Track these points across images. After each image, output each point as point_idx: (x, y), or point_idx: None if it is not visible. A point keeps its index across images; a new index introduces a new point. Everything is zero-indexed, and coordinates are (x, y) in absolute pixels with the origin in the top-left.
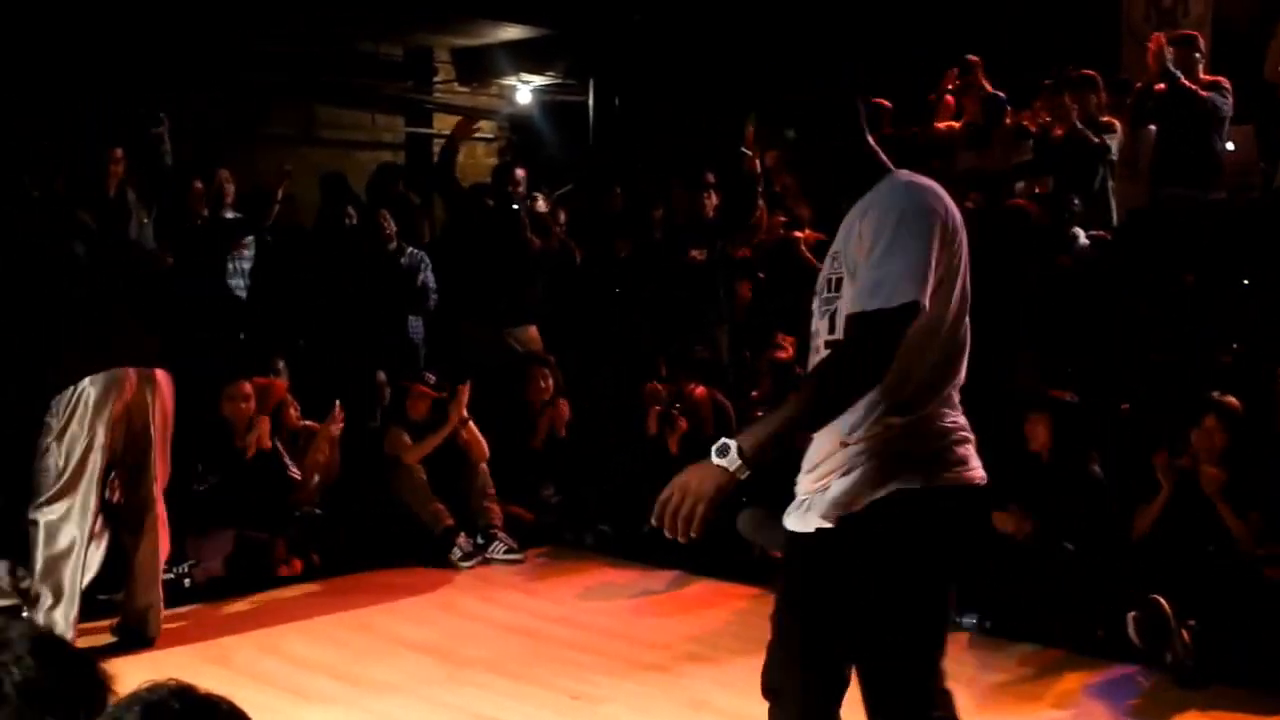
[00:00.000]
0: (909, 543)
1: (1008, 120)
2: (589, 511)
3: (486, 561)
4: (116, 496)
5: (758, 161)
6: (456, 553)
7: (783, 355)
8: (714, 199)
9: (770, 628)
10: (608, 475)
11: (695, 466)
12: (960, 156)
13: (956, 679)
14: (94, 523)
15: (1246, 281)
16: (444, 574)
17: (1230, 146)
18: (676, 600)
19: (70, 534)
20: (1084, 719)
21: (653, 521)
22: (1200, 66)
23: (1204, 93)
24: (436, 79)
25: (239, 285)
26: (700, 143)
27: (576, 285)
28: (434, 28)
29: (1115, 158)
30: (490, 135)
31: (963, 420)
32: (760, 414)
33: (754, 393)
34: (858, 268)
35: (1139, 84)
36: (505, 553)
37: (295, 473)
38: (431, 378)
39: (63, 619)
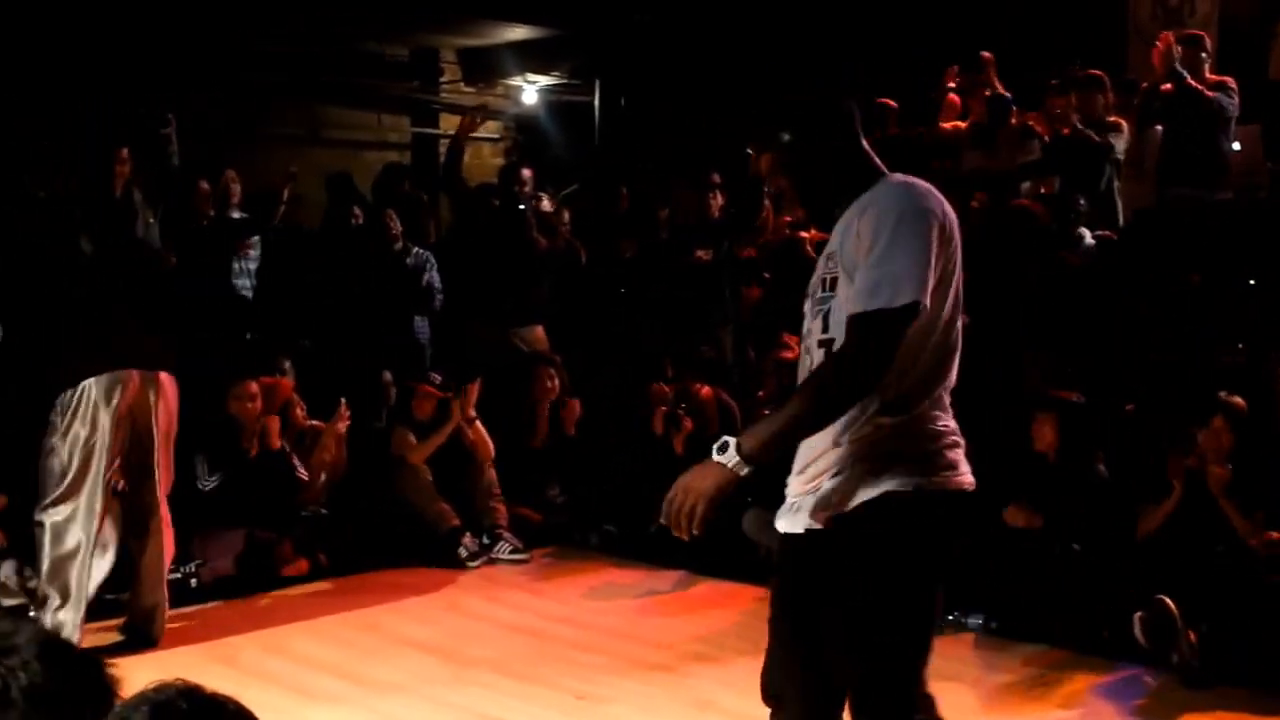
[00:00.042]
0: (898, 545)
1: (1013, 120)
2: (594, 511)
3: (492, 561)
4: (121, 485)
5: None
6: (462, 552)
7: (788, 355)
8: (719, 199)
9: (768, 631)
10: (613, 475)
11: (698, 466)
12: (966, 156)
13: (962, 679)
14: (99, 524)
15: (1252, 281)
16: (449, 574)
17: (1236, 146)
18: (682, 600)
19: (76, 535)
20: (1090, 719)
21: (660, 520)
22: (1207, 66)
23: (1210, 93)
24: (442, 79)
25: (245, 285)
26: (706, 143)
27: (581, 285)
28: (440, 28)
29: (1121, 158)
30: (496, 135)
31: (954, 424)
32: (766, 412)
33: (759, 393)
34: (856, 268)
35: (1145, 84)
36: (511, 553)
37: (303, 473)
38: (437, 378)
39: (70, 620)
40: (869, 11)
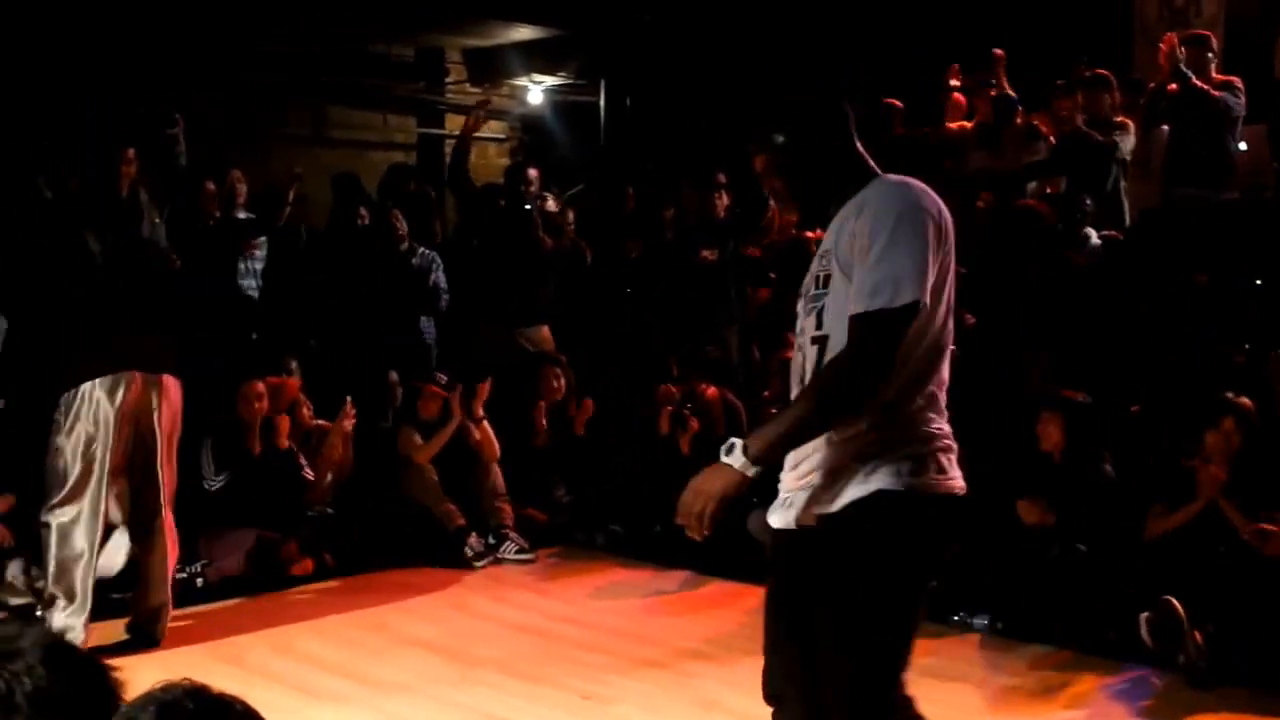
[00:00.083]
0: (886, 545)
1: (1018, 120)
2: (600, 511)
3: (498, 561)
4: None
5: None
6: (468, 552)
7: (793, 355)
8: (725, 199)
9: (764, 630)
10: (619, 475)
11: (708, 469)
12: (972, 156)
13: (968, 680)
14: (104, 526)
15: (1259, 281)
16: (455, 574)
17: (1243, 146)
18: (688, 600)
19: (81, 537)
20: None
21: (675, 520)
22: (1213, 66)
23: (1216, 93)
24: (448, 79)
25: (251, 285)
26: (711, 143)
27: (587, 285)
28: (446, 28)
29: (1128, 158)
30: (502, 135)
31: (947, 427)
32: (773, 411)
33: (765, 393)
34: (851, 266)
35: (1152, 84)
36: (516, 553)
37: (309, 473)
38: (443, 378)
39: (75, 622)
40: (873, 11)
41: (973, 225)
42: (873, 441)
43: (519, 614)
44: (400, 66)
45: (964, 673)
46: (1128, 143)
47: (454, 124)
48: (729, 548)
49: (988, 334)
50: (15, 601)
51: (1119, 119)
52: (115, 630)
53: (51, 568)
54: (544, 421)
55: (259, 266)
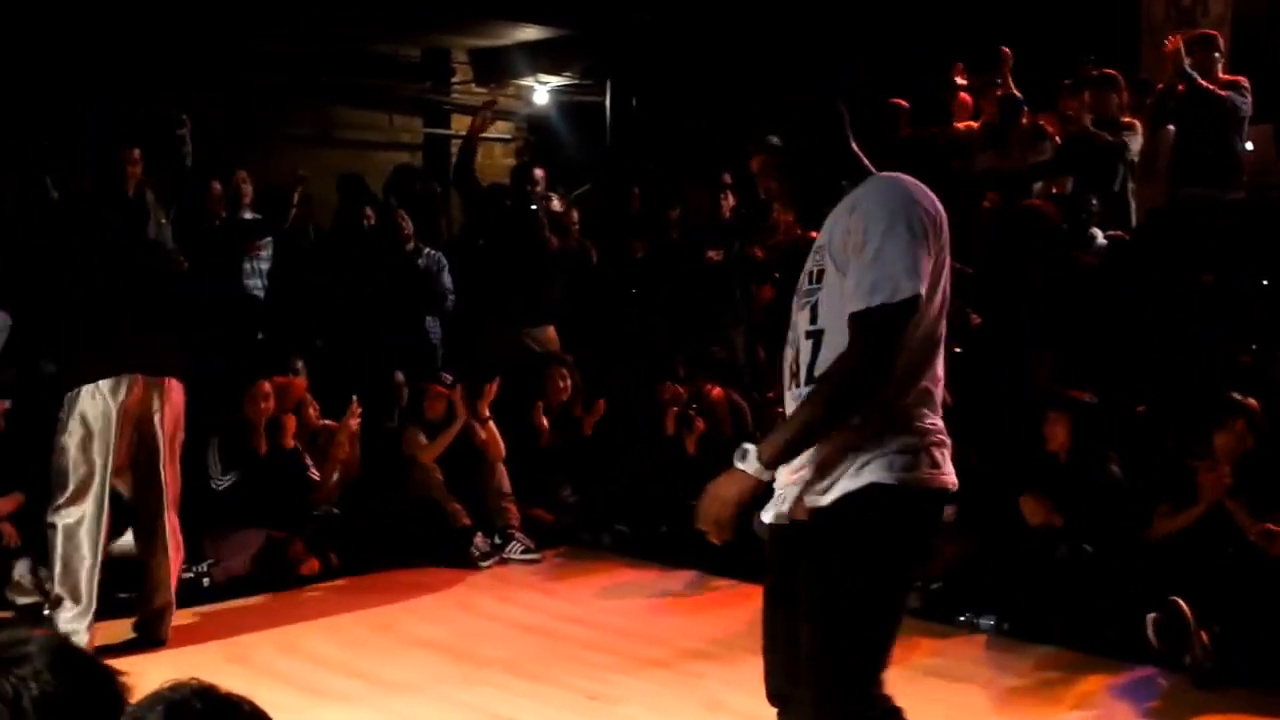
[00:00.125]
0: (876, 537)
1: (1024, 120)
2: (606, 511)
3: (504, 561)
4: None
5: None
6: (474, 552)
7: None
8: (730, 199)
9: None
10: (624, 475)
11: (723, 475)
12: (978, 157)
13: (974, 681)
14: (108, 528)
15: (1265, 282)
16: (461, 574)
17: (1249, 146)
18: (694, 601)
19: (86, 540)
20: None
21: (697, 527)
22: (1219, 66)
23: (1223, 92)
24: (454, 80)
25: (257, 286)
26: (717, 143)
27: (593, 285)
28: (451, 29)
29: (1136, 158)
30: (507, 136)
31: (940, 423)
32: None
33: (770, 393)
34: (845, 262)
35: (1159, 84)
36: (522, 553)
37: (315, 473)
38: (448, 378)
39: (80, 624)
40: (879, 11)
41: (979, 225)
42: (866, 436)
43: (525, 614)
44: (406, 67)
45: (970, 673)
46: (1136, 143)
47: (460, 124)
48: (735, 548)
49: (994, 334)
50: (22, 601)
51: (1126, 119)
52: (122, 629)
53: (57, 568)
54: (544, 421)
55: (265, 267)
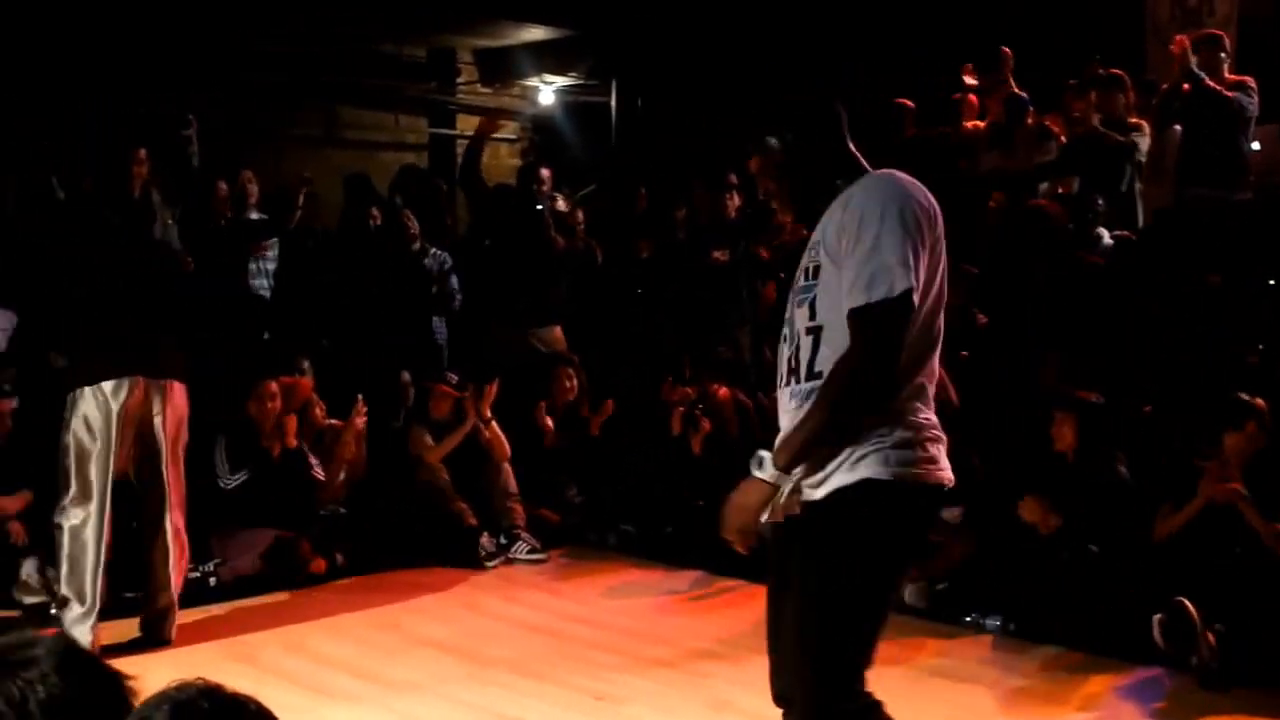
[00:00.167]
0: (867, 532)
1: (1030, 120)
2: (612, 511)
3: (510, 561)
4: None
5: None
6: (480, 552)
7: None
8: (736, 199)
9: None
10: (630, 475)
11: (741, 484)
12: (984, 157)
13: (980, 681)
14: (110, 528)
15: (1272, 282)
16: (467, 574)
17: (1256, 146)
18: (699, 600)
19: (90, 541)
20: None
21: (723, 537)
22: (1226, 66)
23: (1229, 93)
24: (459, 80)
25: (263, 286)
26: (722, 143)
27: (598, 286)
28: (457, 29)
29: (1144, 159)
30: (513, 136)
31: (935, 419)
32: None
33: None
34: (841, 258)
35: (1165, 85)
36: (528, 553)
37: (319, 473)
38: (454, 378)
39: (85, 625)
40: (885, 11)
41: (984, 225)
42: (861, 430)
43: (531, 614)
44: (411, 67)
45: (976, 674)
46: (1144, 143)
47: (465, 124)
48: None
49: (1000, 334)
50: (29, 600)
51: (1133, 120)
52: (129, 628)
53: (64, 569)
54: (548, 422)
55: (271, 267)
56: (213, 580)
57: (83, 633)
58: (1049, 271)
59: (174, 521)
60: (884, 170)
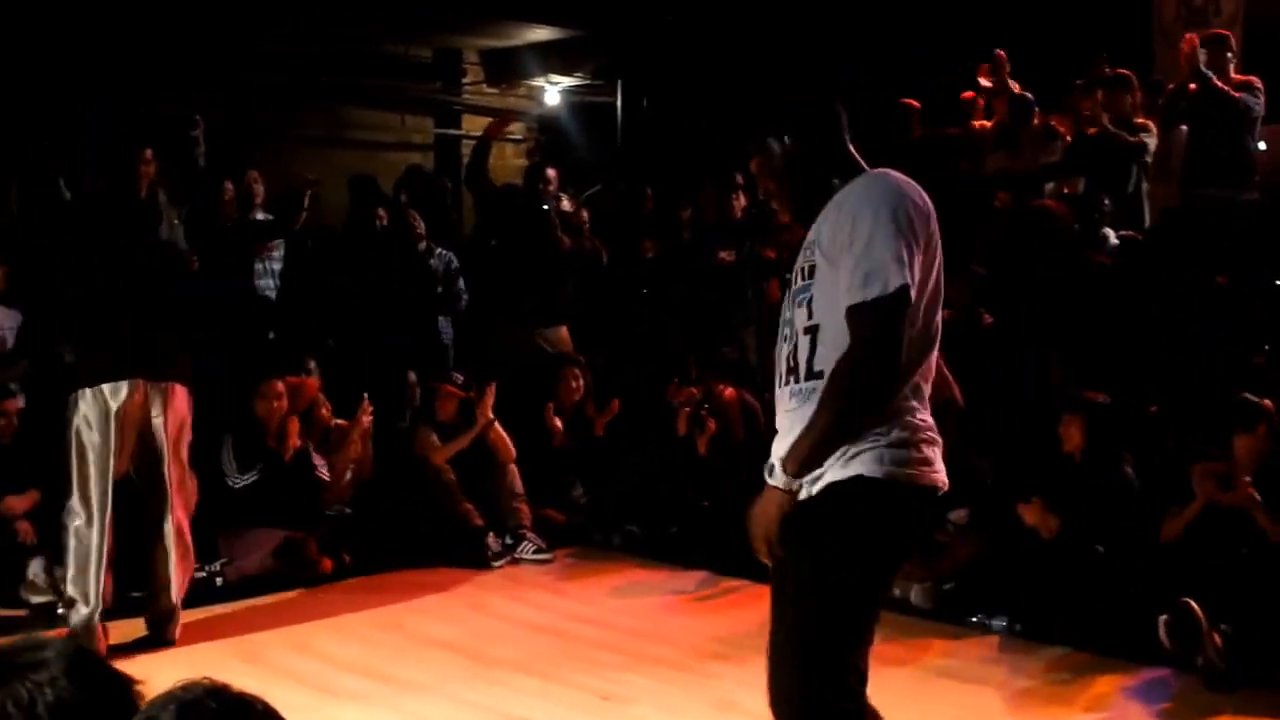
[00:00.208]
0: (857, 528)
1: (1035, 121)
2: (617, 512)
3: (515, 561)
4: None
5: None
6: (486, 553)
7: None
8: (742, 199)
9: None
10: (636, 476)
11: (759, 495)
12: (990, 157)
13: (987, 682)
14: (111, 529)
15: (1278, 282)
16: (473, 574)
17: (1262, 146)
18: (705, 601)
19: (93, 543)
20: None
21: (753, 547)
22: (1232, 66)
23: (1236, 93)
24: (465, 80)
25: (269, 286)
26: (728, 143)
27: (604, 286)
28: (462, 29)
29: (1150, 159)
30: (519, 136)
31: (931, 420)
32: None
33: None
34: (836, 256)
35: (1171, 85)
36: (534, 553)
37: (324, 473)
38: (459, 378)
39: (91, 624)
40: (891, 12)
41: (990, 226)
42: (862, 429)
43: (536, 614)
44: (417, 67)
45: (982, 674)
46: (1153, 144)
47: (471, 125)
48: (745, 548)
49: (1006, 335)
50: (36, 600)
51: (1140, 120)
52: (137, 628)
53: (71, 569)
54: (556, 422)
55: (277, 267)
56: (219, 580)
57: (88, 633)
58: (1048, 271)
59: (176, 523)
60: (879, 170)
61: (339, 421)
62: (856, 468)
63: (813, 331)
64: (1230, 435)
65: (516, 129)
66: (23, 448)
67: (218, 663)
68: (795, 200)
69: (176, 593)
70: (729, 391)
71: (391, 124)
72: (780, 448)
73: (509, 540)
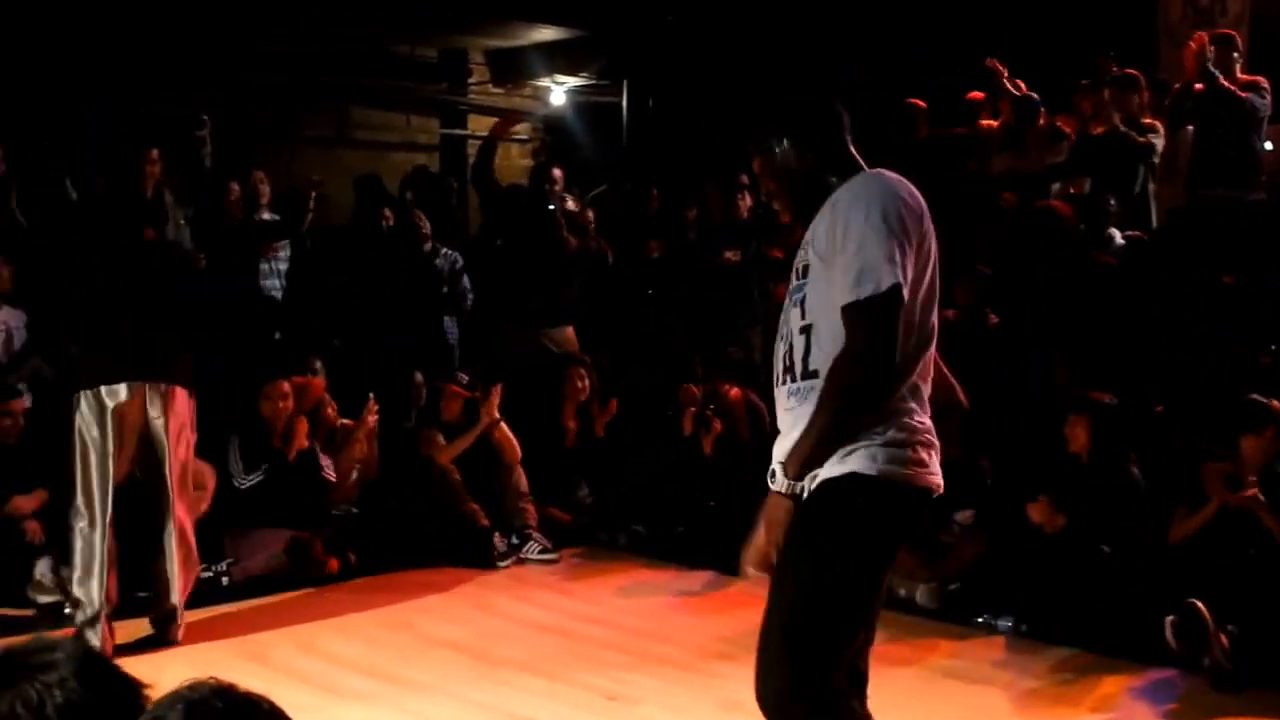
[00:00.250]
0: (849, 525)
1: (1041, 121)
2: (623, 512)
3: (521, 561)
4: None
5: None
6: (492, 553)
7: None
8: (747, 200)
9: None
10: (642, 476)
11: (765, 502)
12: (996, 158)
13: (993, 682)
14: (112, 531)
15: None
16: (479, 574)
17: (1269, 146)
18: (711, 600)
19: (96, 544)
20: None
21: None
22: (1238, 66)
23: (1242, 93)
24: (471, 80)
25: (274, 286)
26: (734, 143)
27: (609, 286)
28: (468, 29)
29: (1157, 159)
30: (525, 136)
31: (928, 422)
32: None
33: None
34: (830, 256)
35: (1177, 84)
36: (540, 553)
37: (329, 474)
38: (464, 378)
39: (96, 624)
40: (893, 12)
41: (996, 226)
42: (860, 428)
43: (542, 614)
44: (423, 67)
45: (988, 675)
46: (1160, 144)
47: (477, 125)
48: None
49: (1011, 335)
50: (43, 600)
51: (1147, 120)
52: (142, 627)
53: (77, 571)
54: (572, 423)
55: (282, 267)
56: (225, 580)
57: (94, 633)
58: (1053, 272)
59: (178, 525)
60: (874, 170)
61: (345, 421)
62: (851, 464)
63: (807, 331)
64: (1237, 436)
65: (522, 129)
66: (30, 448)
67: (224, 662)
68: (795, 200)
69: (179, 594)
70: (734, 391)
71: (397, 124)
72: (781, 448)
73: (515, 540)
